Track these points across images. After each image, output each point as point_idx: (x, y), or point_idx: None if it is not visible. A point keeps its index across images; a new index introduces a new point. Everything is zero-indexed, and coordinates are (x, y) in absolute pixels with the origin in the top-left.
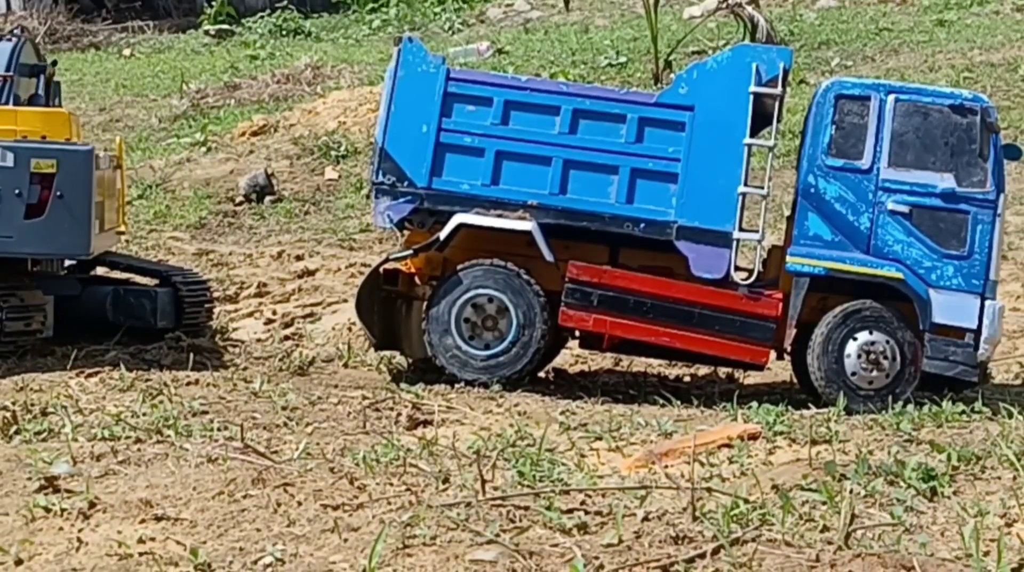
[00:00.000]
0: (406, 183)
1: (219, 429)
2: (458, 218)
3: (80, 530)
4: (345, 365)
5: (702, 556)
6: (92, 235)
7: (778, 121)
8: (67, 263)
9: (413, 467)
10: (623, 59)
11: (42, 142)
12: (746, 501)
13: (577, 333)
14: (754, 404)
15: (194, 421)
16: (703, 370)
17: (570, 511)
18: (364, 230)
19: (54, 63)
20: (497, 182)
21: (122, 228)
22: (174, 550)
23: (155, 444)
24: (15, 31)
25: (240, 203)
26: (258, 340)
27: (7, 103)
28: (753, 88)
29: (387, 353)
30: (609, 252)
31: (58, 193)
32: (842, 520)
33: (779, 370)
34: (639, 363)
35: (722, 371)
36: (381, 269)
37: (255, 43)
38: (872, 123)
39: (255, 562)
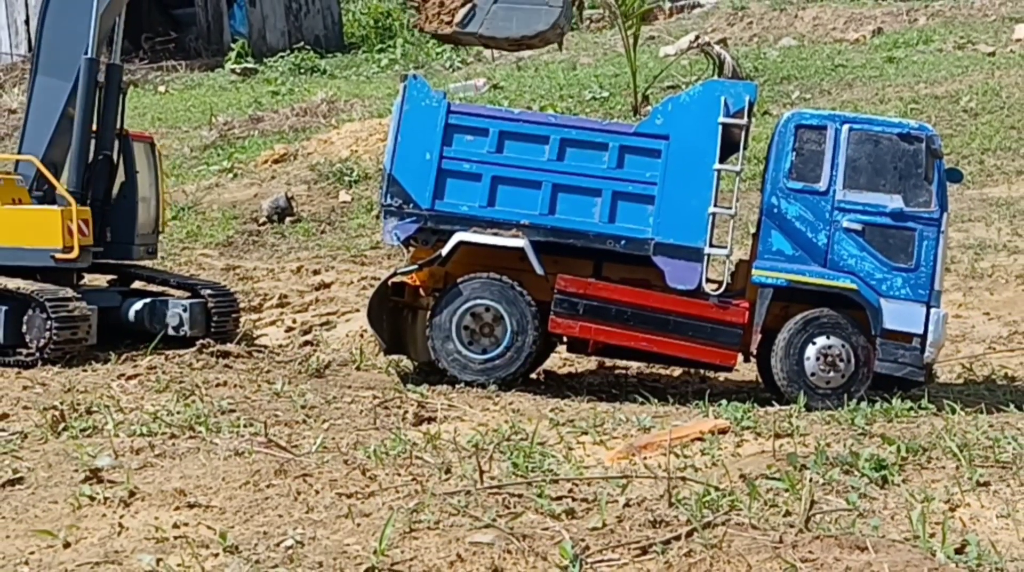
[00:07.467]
0: (411, 205)
1: (245, 426)
2: (458, 236)
3: (121, 516)
4: (357, 368)
5: (677, 538)
6: None
7: (744, 148)
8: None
9: (418, 459)
10: (605, 93)
11: None
12: (717, 489)
13: (565, 339)
14: (724, 402)
15: (223, 418)
16: (678, 371)
17: (559, 498)
18: (374, 247)
19: None
20: (493, 204)
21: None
22: (205, 534)
23: (188, 439)
24: None
25: (263, 223)
26: (279, 346)
27: None
28: (722, 119)
29: (395, 357)
30: (593, 266)
31: None
32: (803, 505)
33: (746, 371)
34: (621, 365)
35: (695, 372)
36: (389, 282)
37: (276, 80)
38: (828, 150)
39: (277, 544)
